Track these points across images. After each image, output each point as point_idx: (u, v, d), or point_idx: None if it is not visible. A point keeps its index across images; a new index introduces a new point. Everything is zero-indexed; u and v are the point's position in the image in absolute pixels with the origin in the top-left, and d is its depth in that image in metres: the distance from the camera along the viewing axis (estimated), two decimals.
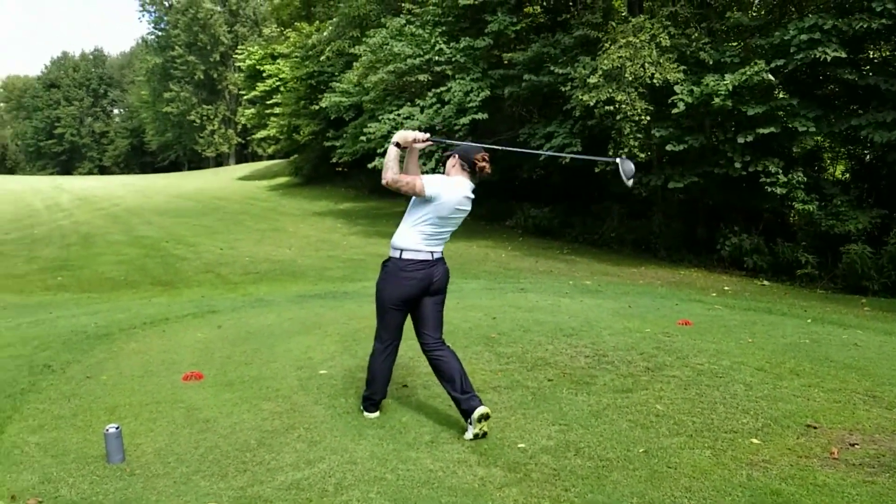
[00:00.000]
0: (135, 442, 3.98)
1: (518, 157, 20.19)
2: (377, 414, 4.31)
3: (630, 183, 4.08)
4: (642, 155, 13.71)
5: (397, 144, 3.97)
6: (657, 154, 14.68)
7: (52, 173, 70.27)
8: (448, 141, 4.46)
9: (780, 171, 12.68)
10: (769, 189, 12.76)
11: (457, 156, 4.08)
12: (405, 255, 3.98)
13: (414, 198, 3.99)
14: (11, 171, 77.90)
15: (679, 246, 15.34)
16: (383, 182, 3.92)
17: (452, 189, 3.96)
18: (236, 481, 3.44)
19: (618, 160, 4.04)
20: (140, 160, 76.05)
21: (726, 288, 11.76)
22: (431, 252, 4.03)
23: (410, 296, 4.04)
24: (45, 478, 3.54)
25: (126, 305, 9.60)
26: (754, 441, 3.83)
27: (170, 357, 5.95)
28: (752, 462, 3.56)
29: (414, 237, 3.98)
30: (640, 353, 5.68)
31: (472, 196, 4.08)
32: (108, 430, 3.72)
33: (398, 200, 24.65)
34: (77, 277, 13.08)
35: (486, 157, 4.02)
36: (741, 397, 4.58)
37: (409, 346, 5.98)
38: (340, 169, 27.66)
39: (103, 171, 74.72)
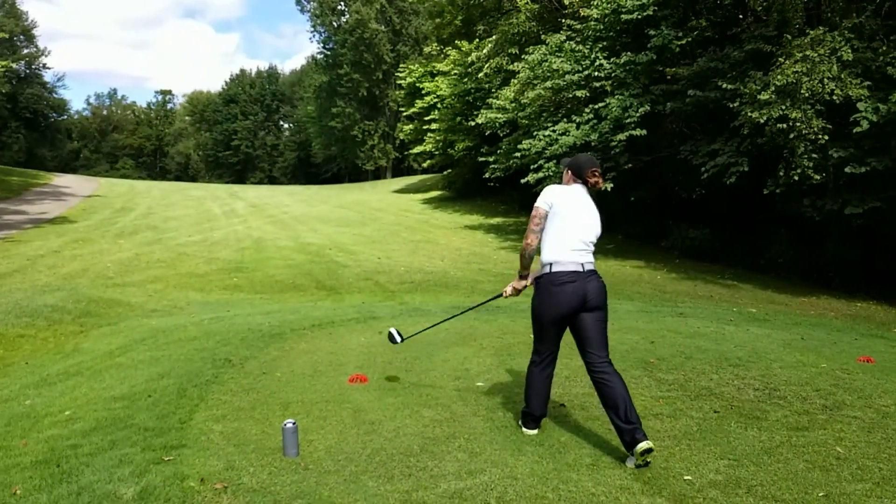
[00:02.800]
0: (307, 438, 4.24)
1: (675, 175, 19.46)
2: (536, 431, 4.32)
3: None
4: (817, 176, 12.73)
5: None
6: (834, 176, 13.59)
7: (227, 182, 76.51)
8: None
9: None
10: None
11: (569, 171, 4.22)
12: (555, 269, 4.02)
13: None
14: (193, 179, 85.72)
15: (855, 276, 14.10)
16: (528, 243, 4.15)
17: (564, 191, 4.11)
18: (401, 485, 3.57)
19: None
20: (305, 171, 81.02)
21: None
22: (581, 264, 4.01)
23: (565, 311, 4.02)
24: (229, 465, 3.85)
25: (295, 307, 10.26)
26: None
27: (336, 359, 6.29)
28: None
29: (557, 249, 4.03)
30: (815, 390, 5.29)
31: (594, 206, 4.19)
32: (286, 425, 3.99)
33: None
34: (250, 279, 14.12)
35: (597, 173, 4.12)
36: None
37: (565, 364, 5.96)
38: (492, 184, 27.94)
39: (272, 181, 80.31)
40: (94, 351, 7.73)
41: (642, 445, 3.72)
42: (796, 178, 12.74)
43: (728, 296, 12.64)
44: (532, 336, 4.29)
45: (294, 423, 3.99)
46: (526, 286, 4.38)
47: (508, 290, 4.46)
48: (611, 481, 3.61)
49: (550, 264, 4.03)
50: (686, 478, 3.65)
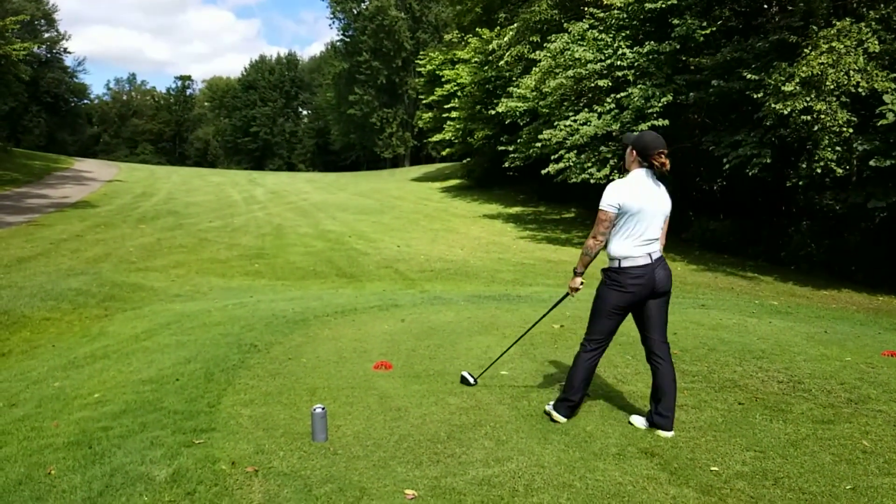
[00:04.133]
0: (335, 423, 4.29)
1: (696, 166, 19.31)
2: (567, 420, 4.34)
3: None
4: (839, 170, 12.58)
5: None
6: (858, 169, 13.42)
7: (246, 168, 76.78)
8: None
9: None
10: None
11: (633, 150, 4.06)
12: (624, 264, 4.01)
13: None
14: (212, 165, 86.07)
15: (879, 270, 13.94)
16: (596, 242, 4.06)
17: (629, 186, 3.99)
18: (430, 471, 3.61)
19: None
20: (324, 159, 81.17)
21: None
22: (649, 254, 4.01)
23: (633, 302, 4.07)
24: (259, 449, 3.91)
25: (317, 294, 10.33)
26: None
27: (361, 346, 6.34)
28: None
29: (627, 245, 4.01)
30: (840, 383, 5.27)
31: (660, 184, 4.09)
32: (315, 410, 4.03)
33: (567, 206, 24.52)
34: (272, 265, 14.23)
35: (664, 154, 3.96)
36: None
37: None
38: (511, 173, 27.84)
39: (290, 167, 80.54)
40: (120, 334, 7.85)
41: (665, 434, 4.08)
42: (819, 170, 12.60)
43: (749, 288, 12.56)
44: (588, 325, 4.26)
45: (323, 409, 4.04)
46: (582, 284, 4.28)
47: (572, 290, 4.33)
48: (637, 471, 3.63)
49: (619, 259, 4.03)
50: (713, 469, 3.67)
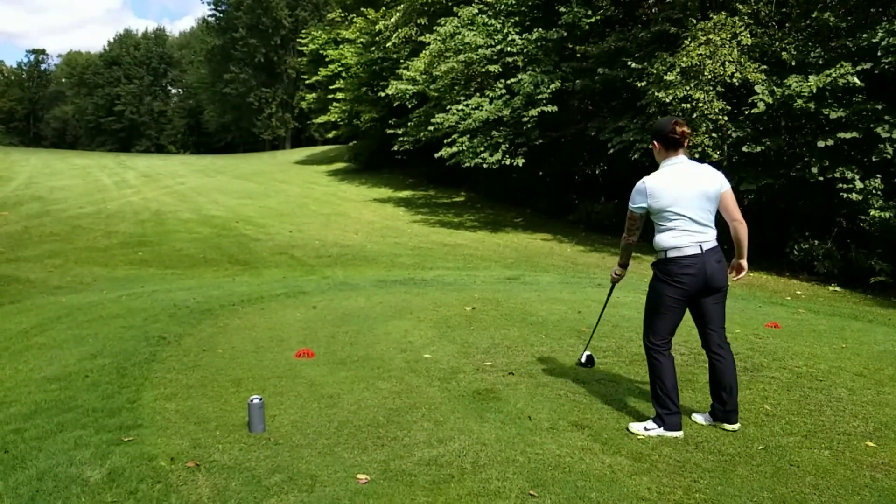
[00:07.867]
0: (269, 413, 4.20)
1: (580, 151, 20.13)
2: (681, 434, 3.97)
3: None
4: (715, 155, 13.53)
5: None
6: (730, 154, 14.49)
7: (110, 149, 71.97)
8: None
9: (857, 178, 12.35)
10: (845, 195, 12.44)
11: (654, 141, 3.97)
12: (671, 254, 3.87)
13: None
14: (72, 146, 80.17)
15: (748, 248, 15.13)
16: (624, 237, 4.28)
17: (655, 180, 3.90)
18: (377, 455, 3.64)
19: None
20: (196, 140, 77.62)
21: (799, 292, 11.65)
22: (699, 244, 3.85)
23: (687, 294, 3.90)
24: (195, 443, 3.78)
25: (215, 283, 9.97)
26: (870, 444, 3.89)
27: (277, 334, 6.22)
28: (872, 464, 3.63)
29: (670, 235, 3.88)
30: (735, 354, 5.69)
31: (700, 164, 3.96)
32: (252, 400, 3.95)
33: (457, 190, 24.89)
34: (157, 253, 13.57)
35: (679, 123, 3.84)
36: (846, 401, 4.63)
37: (504, 335, 6.19)
38: (400, 157, 27.82)
39: (159, 149, 76.45)
40: (6, 331, 7.25)
41: (729, 427, 4.06)
42: (697, 156, 13.48)
43: (634, 267, 13.22)
44: (644, 324, 4.17)
45: (261, 399, 3.97)
46: (622, 275, 4.52)
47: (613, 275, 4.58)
48: (572, 443, 3.82)
49: (666, 251, 3.89)
50: (640, 437, 3.93)
